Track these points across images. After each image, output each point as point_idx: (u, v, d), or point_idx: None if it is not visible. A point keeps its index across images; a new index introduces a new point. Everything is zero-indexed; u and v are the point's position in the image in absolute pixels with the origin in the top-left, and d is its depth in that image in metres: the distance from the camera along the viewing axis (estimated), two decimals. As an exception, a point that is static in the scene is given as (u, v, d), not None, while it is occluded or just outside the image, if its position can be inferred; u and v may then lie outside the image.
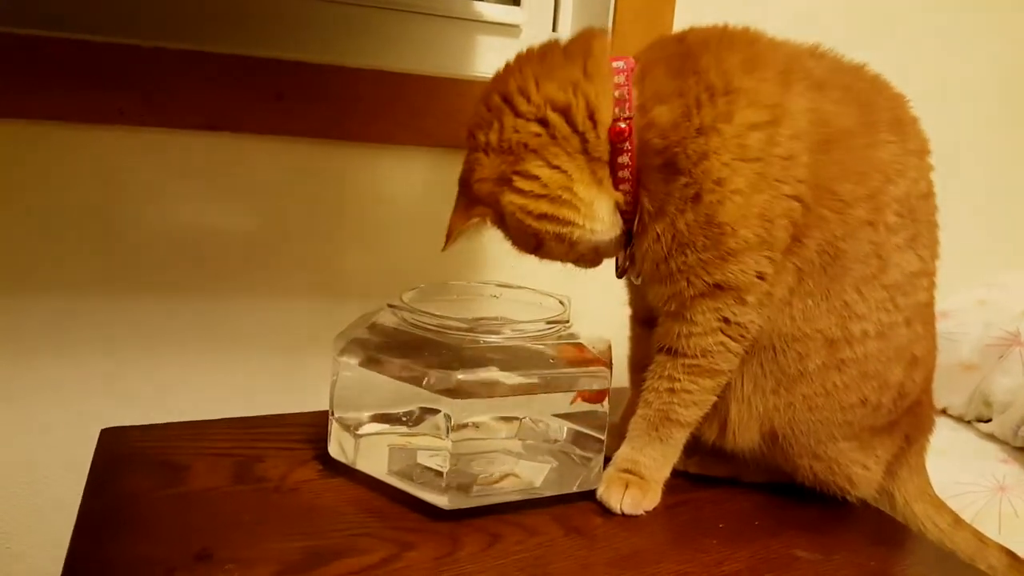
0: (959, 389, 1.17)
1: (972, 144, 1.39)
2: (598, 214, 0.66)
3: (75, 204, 0.86)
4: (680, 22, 1.05)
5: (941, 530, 0.76)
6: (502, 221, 0.68)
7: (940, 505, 0.78)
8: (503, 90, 0.66)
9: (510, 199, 0.65)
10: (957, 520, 0.77)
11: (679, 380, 0.68)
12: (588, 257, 0.71)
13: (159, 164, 0.89)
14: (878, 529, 0.73)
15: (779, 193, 0.63)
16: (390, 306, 0.72)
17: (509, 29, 1.06)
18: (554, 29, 1.10)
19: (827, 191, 0.64)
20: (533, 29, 1.08)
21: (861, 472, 0.73)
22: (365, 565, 0.57)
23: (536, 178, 0.64)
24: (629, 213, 0.68)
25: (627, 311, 0.81)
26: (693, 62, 0.63)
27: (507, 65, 0.69)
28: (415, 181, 0.99)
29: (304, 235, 0.96)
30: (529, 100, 0.64)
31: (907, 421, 0.74)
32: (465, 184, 0.68)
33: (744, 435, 0.71)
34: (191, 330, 0.93)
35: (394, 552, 0.59)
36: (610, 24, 1.02)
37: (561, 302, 0.76)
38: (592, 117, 0.64)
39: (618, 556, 0.62)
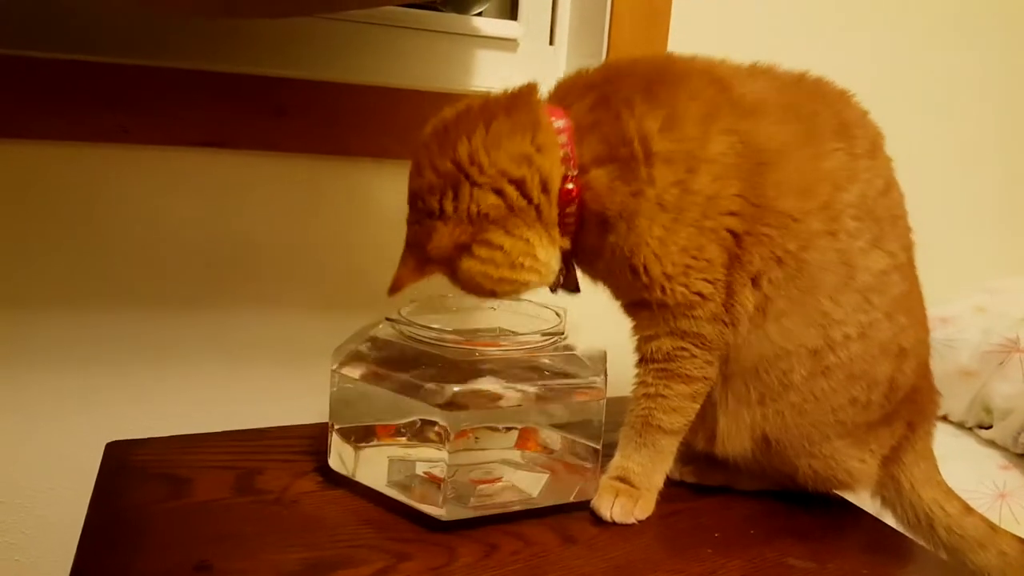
0: (959, 396, 1.17)
1: (972, 150, 1.40)
2: (552, 267, 0.69)
3: (78, 221, 0.87)
4: (675, 34, 1.06)
5: (949, 515, 0.75)
6: (455, 277, 0.69)
7: (949, 492, 0.77)
8: (453, 157, 0.65)
9: (470, 266, 0.66)
10: (967, 508, 0.76)
11: (652, 385, 0.70)
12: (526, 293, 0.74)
13: (161, 181, 0.90)
14: (872, 537, 0.73)
15: (701, 228, 0.66)
16: (388, 319, 0.74)
17: (506, 43, 1.08)
18: (551, 43, 1.11)
19: (768, 210, 0.66)
20: (530, 43, 1.09)
21: (859, 466, 0.74)
22: (363, 576, 0.58)
23: (499, 247, 0.66)
24: (569, 250, 0.71)
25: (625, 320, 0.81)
26: (620, 128, 0.66)
27: (446, 124, 0.68)
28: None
29: (304, 249, 0.97)
30: (482, 171, 0.65)
31: (907, 409, 0.75)
32: (418, 247, 0.68)
33: (735, 443, 0.73)
34: (193, 344, 0.94)
35: (392, 563, 0.60)
36: (606, 37, 1.03)
37: (557, 313, 0.77)
38: (545, 188, 0.66)
39: (613, 565, 0.62)
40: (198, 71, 0.86)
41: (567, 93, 0.70)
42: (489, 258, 0.66)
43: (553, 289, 0.74)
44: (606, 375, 0.70)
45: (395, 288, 0.69)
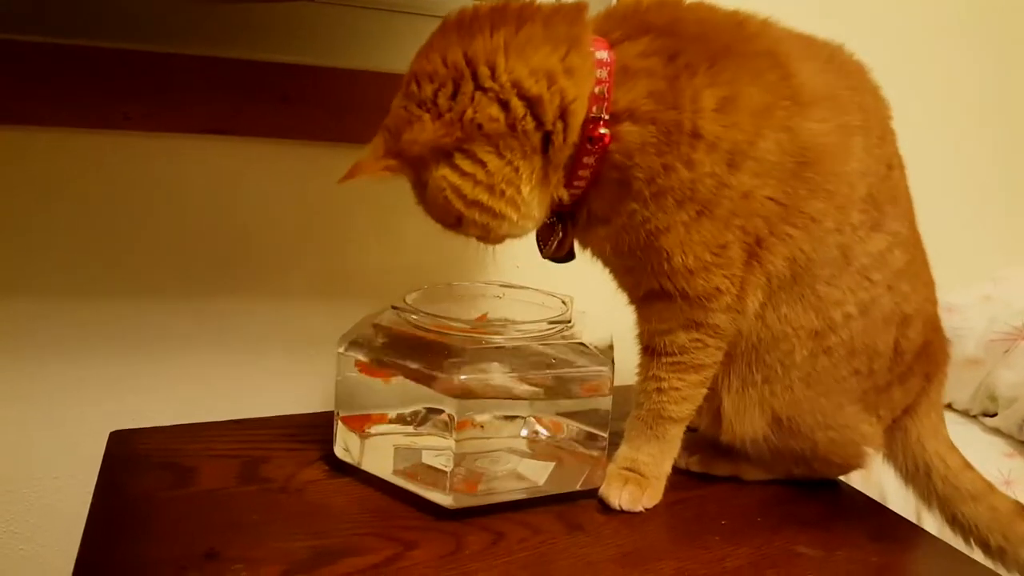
0: (964, 384, 1.17)
1: (978, 140, 1.39)
2: (533, 212, 0.62)
3: (82, 208, 0.87)
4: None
5: (949, 468, 0.75)
6: (421, 186, 0.62)
7: (952, 446, 0.77)
8: (467, 50, 0.58)
9: (444, 174, 0.60)
10: (967, 463, 0.76)
11: (665, 379, 0.69)
12: (495, 240, 0.67)
13: (165, 168, 0.89)
14: (880, 525, 0.73)
15: (730, 224, 0.63)
16: (394, 307, 0.73)
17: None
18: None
19: (796, 211, 0.65)
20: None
21: (869, 429, 0.74)
22: (370, 564, 0.57)
23: (482, 164, 0.59)
24: (567, 207, 0.66)
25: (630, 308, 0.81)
26: (676, 91, 0.60)
27: (475, 14, 0.60)
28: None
29: (309, 237, 0.97)
30: (494, 76, 0.58)
31: (921, 364, 0.74)
32: (392, 133, 0.60)
33: (743, 424, 0.71)
34: (197, 332, 0.93)
35: (399, 551, 0.59)
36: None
37: (564, 302, 0.77)
38: (563, 118, 0.59)
39: (621, 553, 0.62)
40: (201, 57, 0.85)
41: (617, 25, 0.63)
42: (470, 173, 0.59)
43: (544, 253, 0.70)
44: (613, 364, 0.69)
45: (351, 175, 0.62)
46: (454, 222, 0.63)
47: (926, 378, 0.76)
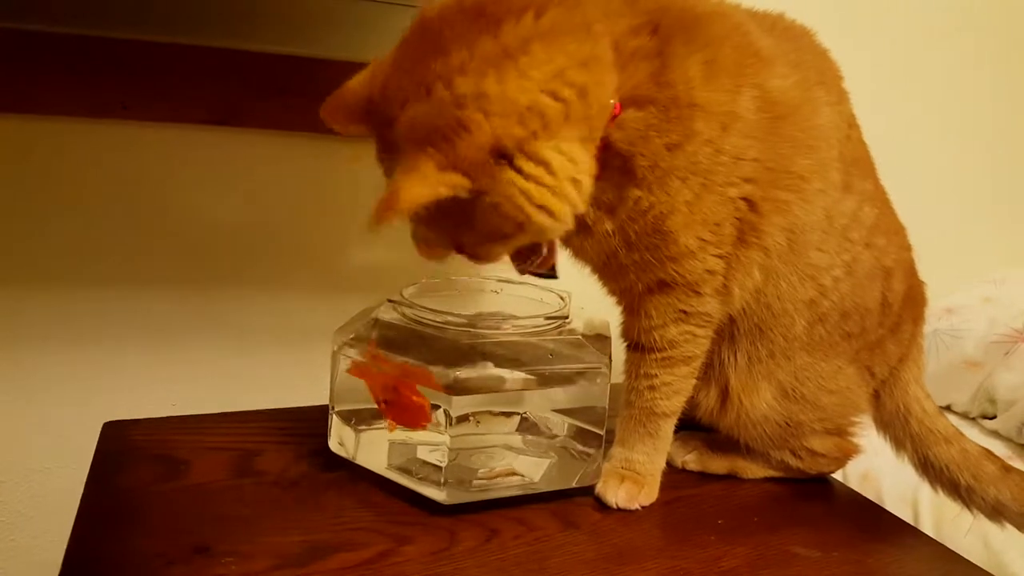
0: (963, 386, 1.16)
1: (979, 140, 1.39)
2: (580, 207, 0.57)
3: (77, 198, 0.87)
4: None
5: (926, 412, 0.78)
6: (476, 197, 0.54)
7: (928, 393, 0.80)
8: (497, 36, 0.52)
9: (511, 179, 0.53)
10: (941, 411, 0.79)
11: (656, 375, 0.68)
12: (543, 241, 0.63)
13: (161, 159, 0.89)
14: (877, 526, 0.73)
15: (724, 196, 0.62)
16: (390, 301, 0.72)
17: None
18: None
19: (783, 173, 0.64)
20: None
21: (865, 391, 0.76)
22: (363, 559, 0.57)
23: (545, 163, 0.54)
24: None
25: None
26: (665, 66, 0.58)
27: (478, 3, 0.54)
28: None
29: (306, 230, 0.96)
30: (534, 63, 0.52)
31: (908, 309, 0.77)
32: (442, 138, 0.52)
33: (751, 399, 0.72)
34: (192, 324, 0.93)
35: (392, 546, 0.59)
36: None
37: (561, 297, 0.76)
38: (602, 107, 0.56)
39: (616, 551, 0.62)
40: (200, 47, 0.85)
41: (594, 4, 0.58)
42: (535, 175, 0.53)
43: (523, 268, 0.67)
44: (610, 360, 0.69)
45: (393, 207, 0.51)
46: (512, 231, 0.57)
47: (914, 322, 0.78)
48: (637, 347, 0.69)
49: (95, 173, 0.87)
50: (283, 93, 0.88)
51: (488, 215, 0.55)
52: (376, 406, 0.66)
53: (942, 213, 1.34)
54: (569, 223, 0.57)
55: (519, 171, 0.53)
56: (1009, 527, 0.74)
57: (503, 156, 0.52)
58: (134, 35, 0.83)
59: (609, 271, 0.67)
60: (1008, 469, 0.73)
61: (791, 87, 0.64)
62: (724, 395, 0.73)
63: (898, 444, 0.79)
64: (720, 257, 0.65)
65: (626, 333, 0.70)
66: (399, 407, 0.65)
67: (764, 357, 0.71)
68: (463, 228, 0.58)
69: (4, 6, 0.80)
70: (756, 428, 0.73)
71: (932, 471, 0.77)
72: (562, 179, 0.54)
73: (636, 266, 0.65)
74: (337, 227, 0.97)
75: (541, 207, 0.55)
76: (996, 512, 0.73)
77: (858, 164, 0.71)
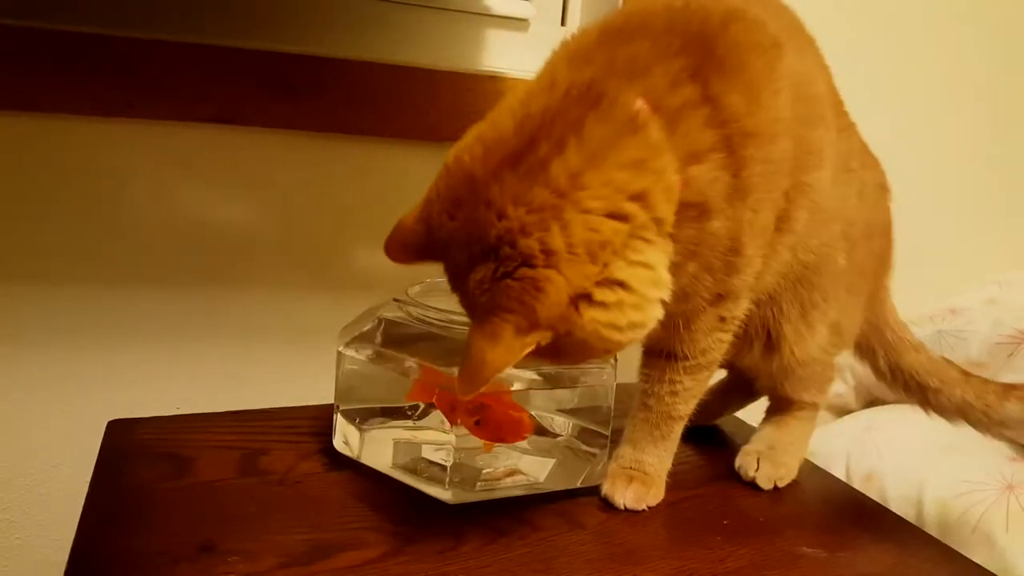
0: (967, 387, 1.16)
1: (982, 141, 1.38)
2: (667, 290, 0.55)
3: (81, 196, 0.86)
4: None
5: (897, 323, 0.83)
6: (562, 340, 0.53)
7: (905, 324, 0.85)
8: (547, 181, 0.50)
9: (594, 317, 0.51)
10: (921, 345, 0.84)
11: (680, 381, 0.68)
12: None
13: (167, 157, 0.89)
14: (883, 526, 0.73)
15: (772, 200, 0.61)
16: (396, 300, 0.72)
17: (518, 23, 1.06)
18: (563, 23, 1.09)
19: (806, 154, 0.63)
20: (542, 23, 1.08)
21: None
22: (368, 558, 0.57)
23: (620, 284, 0.51)
24: None
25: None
26: (715, 108, 0.55)
27: (508, 146, 0.52)
28: (422, 175, 0.98)
29: (311, 228, 0.96)
30: (593, 194, 0.50)
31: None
32: (518, 302, 0.50)
33: (805, 343, 0.74)
34: (198, 323, 0.93)
35: (396, 546, 0.59)
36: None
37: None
38: (669, 196, 0.53)
39: (621, 552, 0.62)
40: (206, 45, 0.85)
41: (606, 62, 0.55)
42: (615, 302, 0.51)
43: None
44: (615, 360, 0.69)
45: (483, 379, 0.51)
46: (604, 350, 0.56)
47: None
48: (666, 355, 0.67)
49: (100, 172, 0.87)
50: (290, 92, 0.88)
51: (576, 347, 0.54)
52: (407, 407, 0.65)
53: (947, 214, 1.33)
54: (658, 319, 0.55)
55: (599, 304, 0.51)
56: (1011, 527, 0.76)
57: (583, 297, 0.51)
58: (140, 34, 0.82)
59: (674, 300, 0.60)
60: (968, 374, 0.81)
61: (796, 62, 0.62)
62: (769, 348, 0.75)
63: (870, 352, 0.84)
64: (763, 257, 0.63)
65: (656, 343, 0.67)
66: (493, 424, 0.63)
67: (819, 301, 0.73)
68: (549, 358, 0.56)
69: (9, 3, 0.81)
70: (803, 368, 0.76)
71: (901, 377, 0.83)
72: (643, 291, 0.53)
73: (705, 288, 0.62)
74: (343, 226, 0.97)
75: (629, 326, 0.53)
76: (960, 411, 0.79)
77: (836, 104, 0.72)
